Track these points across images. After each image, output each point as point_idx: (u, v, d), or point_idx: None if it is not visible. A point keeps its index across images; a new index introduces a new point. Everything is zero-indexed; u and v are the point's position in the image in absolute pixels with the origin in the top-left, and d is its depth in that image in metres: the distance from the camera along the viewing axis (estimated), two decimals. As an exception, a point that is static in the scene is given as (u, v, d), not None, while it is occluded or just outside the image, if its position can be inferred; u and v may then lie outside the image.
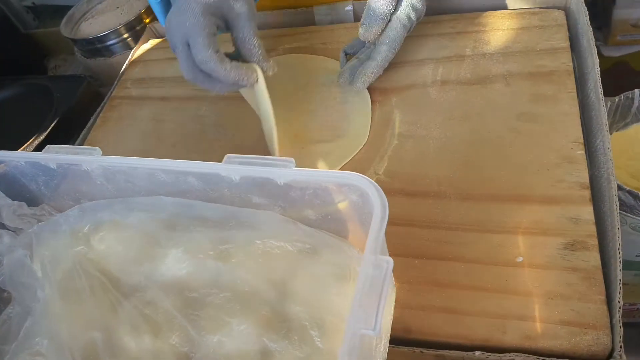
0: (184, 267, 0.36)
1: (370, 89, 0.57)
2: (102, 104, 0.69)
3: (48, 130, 0.73)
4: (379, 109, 0.55)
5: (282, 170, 0.33)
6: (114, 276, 0.38)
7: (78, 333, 0.34)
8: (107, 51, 0.86)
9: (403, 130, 0.53)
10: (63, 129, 0.74)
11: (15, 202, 0.42)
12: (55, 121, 0.74)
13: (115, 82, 0.71)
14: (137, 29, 0.86)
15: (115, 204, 0.40)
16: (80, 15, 0.92)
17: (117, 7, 0.89)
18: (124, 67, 0.73)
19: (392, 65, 0.58)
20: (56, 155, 0.39)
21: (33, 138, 0.72)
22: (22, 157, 0.40)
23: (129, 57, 0.74)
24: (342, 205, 0.34)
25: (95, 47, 0.86)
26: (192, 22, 0.44)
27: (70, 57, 1.13)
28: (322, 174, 0.32)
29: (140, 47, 0.75)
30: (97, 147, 0.39)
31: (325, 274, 0.34)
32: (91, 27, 0.88)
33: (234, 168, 0.34)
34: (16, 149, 0.71)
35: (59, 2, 1.08)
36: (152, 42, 0.76)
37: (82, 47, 0.88)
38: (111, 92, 0.70)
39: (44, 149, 0.40)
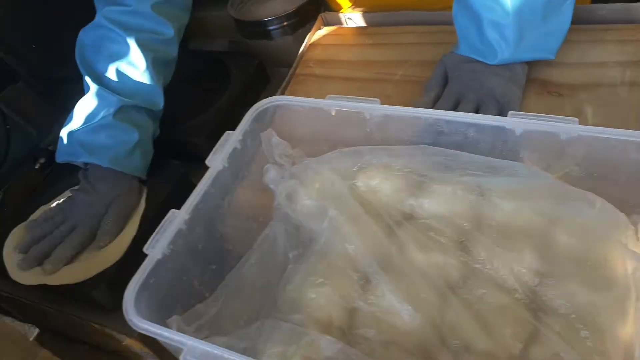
0: (457, 202, 0.42)
1: (556, 83, 0.62)
2: (286, 80, 0.76)
3: (226, 103, 0.81)
4: (568, 103, 0.61)
5: (569, 125, 0.38)
6: (386, 207, 0.44)
7: (369, 245, 0.41)
8: (267, 35, 0.95)
9: (596, 124, 0.58)
10: (239, 102, 0.81)
11: (285, 142, 0.49)
12: (232, 95, 0.81)
13: (296, 62, 0.79)
14: (296, 19, 0.94)
15: (377, 151, 0.47)
16: (242, -1, 1.01)
17: (282, -5, 0.97)
18: (302, 48, 0.81)
19: (573, 64, 0.64)
20: (339, 102, 0.46)
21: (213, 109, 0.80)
22: (306, 102, 0.47)
23: (306, 39, 0.82)
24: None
25: (258, 30, 0.94)
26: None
27: (210, 40, 1.23)
28: (611, 132, 0.38)
29: (316, 33, 0.83)
30: (376, 98, 0.45)
31: (587, 220, 0.39)
32: (254, 11, 0.97)
33: (520, 121, 0.40)
34: (192, 118, 0.79)
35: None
36: (327, 29, 0.83)
37: (245, 28, 0.96)
38: (294, 70, 0.78)
39: (327, 97, 0.47)
